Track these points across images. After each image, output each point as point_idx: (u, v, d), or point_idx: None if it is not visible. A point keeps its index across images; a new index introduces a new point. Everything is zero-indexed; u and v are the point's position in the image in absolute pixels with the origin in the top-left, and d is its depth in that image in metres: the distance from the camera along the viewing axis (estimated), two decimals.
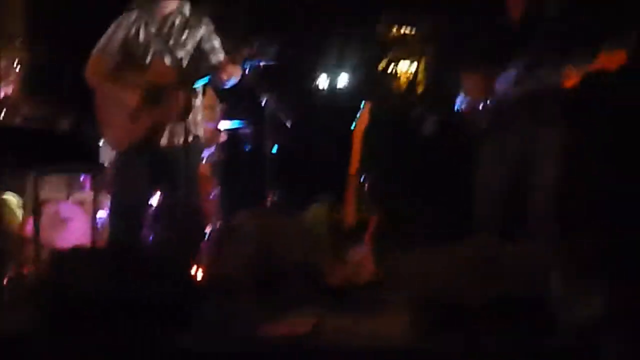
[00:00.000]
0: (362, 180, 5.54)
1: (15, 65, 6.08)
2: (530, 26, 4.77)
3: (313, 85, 6.92)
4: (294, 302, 4.49)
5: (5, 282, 5.41)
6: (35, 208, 5.01)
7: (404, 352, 3.88)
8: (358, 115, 5.58)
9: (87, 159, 5.24)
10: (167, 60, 4.74)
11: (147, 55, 4.79)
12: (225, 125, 6.29)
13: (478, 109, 4.89)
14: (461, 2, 5.40)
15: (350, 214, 5.53)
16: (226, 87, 4.94)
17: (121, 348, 4.04)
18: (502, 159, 4.89)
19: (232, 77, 4.81)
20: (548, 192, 4.75)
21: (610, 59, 4.34)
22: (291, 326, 4.43)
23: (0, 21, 7.19)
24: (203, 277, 5.21)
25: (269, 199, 6.08)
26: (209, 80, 4.91)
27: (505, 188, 4.89)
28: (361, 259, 5.34)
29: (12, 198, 6.08)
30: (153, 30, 4.78)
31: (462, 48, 5.17)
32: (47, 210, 5.81)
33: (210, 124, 5.85)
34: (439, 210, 5.78)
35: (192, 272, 5.08)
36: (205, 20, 4.88)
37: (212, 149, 6.26)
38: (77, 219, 5.95)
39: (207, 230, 5.91)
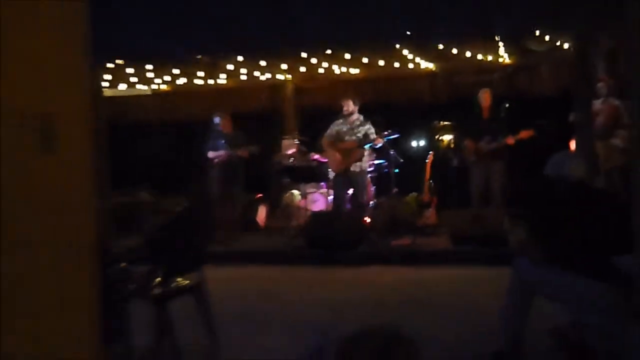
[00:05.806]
0: (430, 182, 9.25)
1: (294, 142, 10.04)
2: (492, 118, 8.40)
3: (410, 145, 10.73)
4: (403, 231, 8.57)
5: (292, 226, 9.49)
6: (304, 196, 9.16)
7: (445, 252, 7.77)
8: (428, 156, 9.31)
9: (324, 176, 9.17)
10: (353, 139, 8.57)
11: (345, 137, 8.63)
12: (376, 162, 9.44)
13: (472, 154, 8.34)
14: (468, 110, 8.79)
15: (425, 197, 9.28)
16: (376, 147, 8.72)
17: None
18: (480, 175, 8.50)
19: (379, 144, 8.44)
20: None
21: (524, 134, 8.41)
22: (401, 241, 8.36)
23: (286, 122, 11.61)
24: (368, 223, 8.82)
25: (393, 191, 9.23)
26: (369, 145, 8.58)
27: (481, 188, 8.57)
28: (430, 215, 9.32)
29: (296, 192, 9.97)
30: (347, 127, 8.61)
31: (466, 129, 8.77)
32: (309, 197, 9.57)
33: (369, 162, 9.06)
34: (458, 193, 9.27)
35: (363, 220, 8.71)
36: (368, 121, 8.61)
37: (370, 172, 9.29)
38: (320, 200, 9.71)
39: (370, 203, 9.40)
